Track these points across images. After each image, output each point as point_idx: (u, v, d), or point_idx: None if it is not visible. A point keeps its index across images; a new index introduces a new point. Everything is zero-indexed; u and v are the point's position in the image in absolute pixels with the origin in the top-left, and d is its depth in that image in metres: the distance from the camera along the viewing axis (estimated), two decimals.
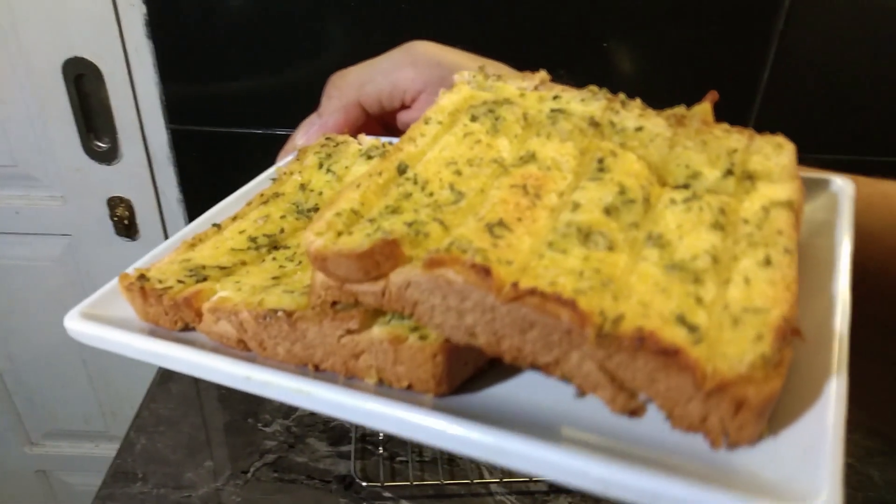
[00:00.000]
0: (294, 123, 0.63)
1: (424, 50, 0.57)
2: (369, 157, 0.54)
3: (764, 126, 0.43)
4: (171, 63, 1.29)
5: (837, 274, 0.35)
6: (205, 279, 0.42)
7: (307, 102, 0.62)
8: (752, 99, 1.27)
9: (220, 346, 0.39)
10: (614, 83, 0.47)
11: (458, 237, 0.33)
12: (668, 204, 0.38)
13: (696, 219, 0.37)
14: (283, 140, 0.63)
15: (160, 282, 0.41)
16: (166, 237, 1.48)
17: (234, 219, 0.49)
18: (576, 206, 0.37)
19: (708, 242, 0.35)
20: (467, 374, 0.35)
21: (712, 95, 0.45)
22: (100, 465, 1.35)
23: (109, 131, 1.38)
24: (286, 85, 1.28)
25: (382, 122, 0.63)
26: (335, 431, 1.24)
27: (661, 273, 0.33)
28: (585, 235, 0.35)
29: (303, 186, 0.52)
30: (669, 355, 0.28)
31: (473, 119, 0.45)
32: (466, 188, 0.39)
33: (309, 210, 0.50)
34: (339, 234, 0.34)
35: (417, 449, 1.20)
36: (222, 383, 0.35)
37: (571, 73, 0.54)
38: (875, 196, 0.46)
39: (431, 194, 0.38)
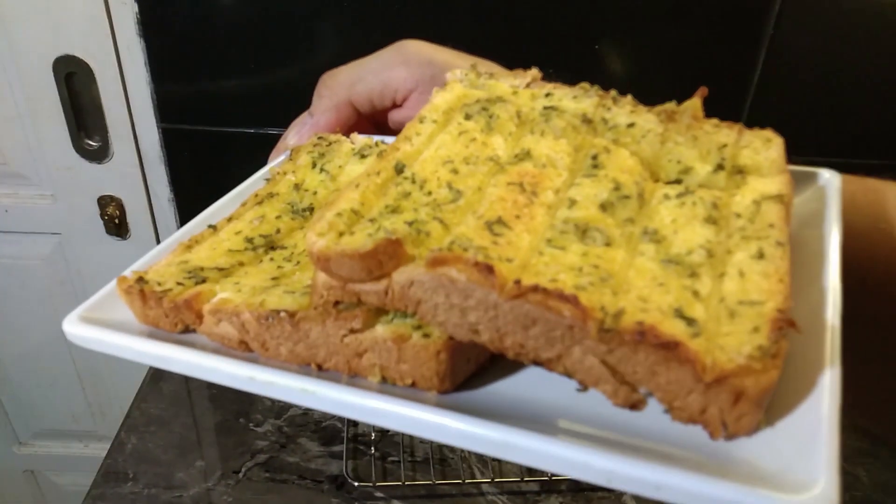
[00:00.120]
0: (285, 122, 0.63)
1: (415, 49, 0.58)
2: (362, 156, 0.54)
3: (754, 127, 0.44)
4: (163, 62, 1.28)
5: (828, 265, 0.36)
6: (204, 281, 0.42)
7: (299, 101, 0.62)
8: (742, 102, 1.28)
9: (222, 348, 0.39)
10: (605, 85, 0.47)
11: (459, 236, 0.34)
12: (661, 199, 0.39)
13: (690, 213, 0.38)
14: (274, 139, 0.63)
15: (159, 284, 0.41)
16: (157, 236, 1.49)
17: (230, 220, 0.49)
18: (572, 203, 0.38)
19: (702, 237, 0.36)
20: (470, 370, 0.36)
21: (702, 91, 0.45)
22: (89, 465, 1.34)
23: (100, 130, 1.37)
24: (277, 84, 1.28)
25: (373, 120, 0.63)
26: (327, 431, 1.24)
27: (658, 267, 0.34)
28: (583, 232, 0.36)
29: (297, 186, 0.52)
30: (670, 348, 0.29)
31: (468, 117, 0.45)
32: (464, 186, 0.39)
33: (304, 210, 0.50)
34: (341, 234, 0.34)
35: (409, 449, 1.20)
36: (226, 384, 0.35)
37: (563, 72, 0.54)
38: (858, 193, 0.47)
39: (430, 193, 0.39)
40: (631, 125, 0.44)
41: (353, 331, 0.35)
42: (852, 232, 0.39)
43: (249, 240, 0.46)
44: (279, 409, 1.27)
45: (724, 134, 0.42)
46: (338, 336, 0.35)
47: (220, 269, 0.43)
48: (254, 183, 0.55)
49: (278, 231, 0.48)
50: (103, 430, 1.79)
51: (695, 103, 0.45)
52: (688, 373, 0.29)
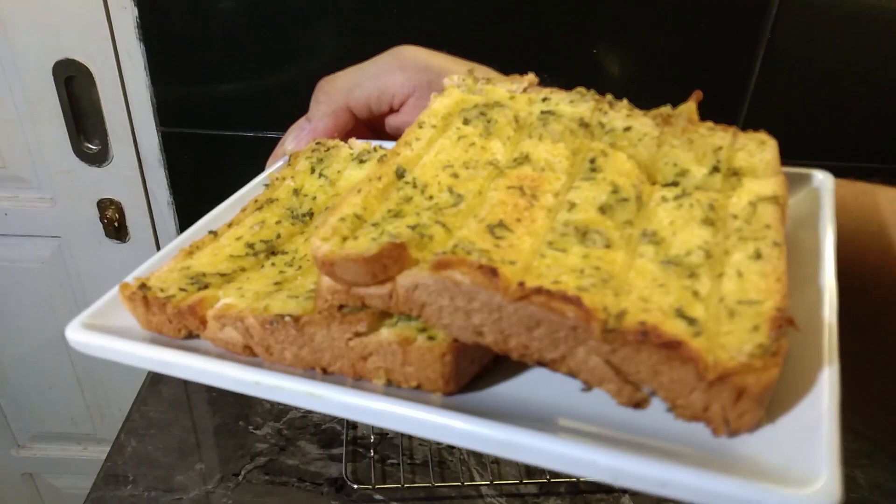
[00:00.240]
0: (284, 126, 0.63)
1: (412, 54, 0.58)
2: (361, 161, 0.54)
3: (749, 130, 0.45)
4: (162, 65, 1.28)
5: (823, 264, 0.37)
6: (206, 286, 0.42)
7: (297, 105, 0.62)
8: (739, 107, 1.29)
9: (226, 353, 0.40)
10: (601, 89, 0.48)
11: (462, 239, 0.34)
12: (659, 201, 0.40)
13: (688, 215, 0.38)
14: (272, 143, 0.63)
15: (162, 290, 0.41)
16: (156, 239, 1.49)
17: (230, 225, 0.49)
18: (572, 206, 0.38)
19: (700, 238, 0.37)
20: (474, 372, 0.36)
21: (696, 95, 0.46)
22: (87, 468, 1.34)
23: (100, 133, 1.37)
24: (276, 88, 1.28)
25: (371, 126, 0.63)
26: (326, 434, 1.24)
27: (658, 269, 0.35)
28: (583, 234, 0.36)
29: (296, 191, 0.53)
30: (672, 348, 0.29)
31: (466, 122, 0.46)
32: (464, 190, 0.40)
33: (303, 215, 0.51)
34: (345, 238, 0.35)
35: (408, 451, 1.20)
36: (233, 389, 0.35)
37: (558, 77, 0.55)
38: (848, 196, 0.48)
39: (431, 197, 0.39)
40: (627, 129, 0.44)
41: (357, 334, 0.36)
42: (842, 235, 0.40)
43: (250, 245, 0.47)
44: (278, 411, 1.28)
45: (719, 137, 0.43)
46: (343, 339, 0.36)
47: (223, 275, 0.44)
48: (253, 188, 0.56)
49: (279, 236, 0.48)
50: (102, 433, 1.79)
51: (690, 107, 0.45)
52: (690, 371, 0.29)
